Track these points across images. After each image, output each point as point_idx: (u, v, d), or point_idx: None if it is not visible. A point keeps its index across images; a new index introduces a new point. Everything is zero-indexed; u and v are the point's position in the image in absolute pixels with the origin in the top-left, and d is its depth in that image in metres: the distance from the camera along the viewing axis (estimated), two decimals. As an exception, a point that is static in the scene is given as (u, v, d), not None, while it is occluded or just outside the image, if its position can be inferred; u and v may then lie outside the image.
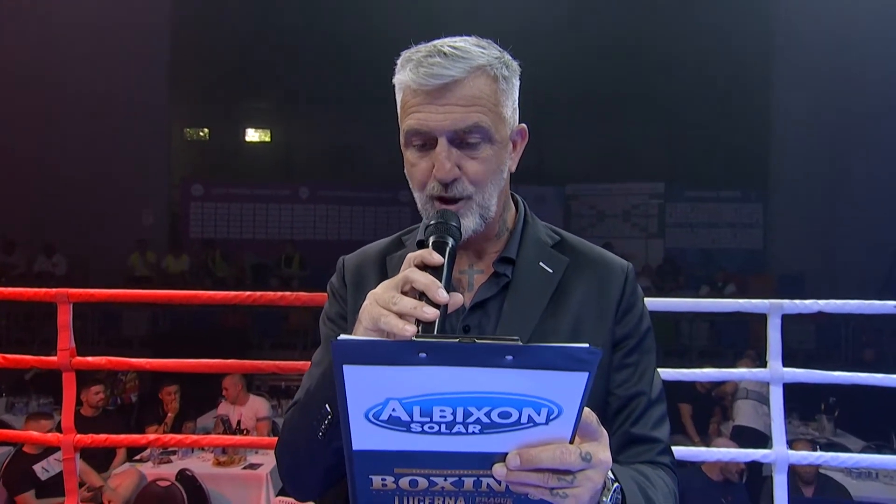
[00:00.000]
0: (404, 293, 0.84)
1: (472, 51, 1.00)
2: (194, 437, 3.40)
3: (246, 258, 13.04)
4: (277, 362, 2.63)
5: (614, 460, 0.80)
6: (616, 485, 0.86)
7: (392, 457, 0.75)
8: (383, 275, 1.12)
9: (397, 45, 1.05)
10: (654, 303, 2.35)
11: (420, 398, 0.70)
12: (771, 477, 2.61)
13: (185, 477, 4.62)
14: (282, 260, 12.74)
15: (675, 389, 5.68)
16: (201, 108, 15.53)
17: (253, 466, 4.89)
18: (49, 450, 4.52)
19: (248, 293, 2.62)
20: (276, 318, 10.69)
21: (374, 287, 0.88)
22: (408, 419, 0.71)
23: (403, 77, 1.02)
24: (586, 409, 0.75)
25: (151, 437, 3.05)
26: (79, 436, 2.63)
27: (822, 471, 4.57)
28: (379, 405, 0.71)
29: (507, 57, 1.05)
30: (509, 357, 0.68)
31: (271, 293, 2.64)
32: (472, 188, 1.01)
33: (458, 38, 1.03)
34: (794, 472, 4.40)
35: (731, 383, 6.55)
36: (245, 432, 5.38)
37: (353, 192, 14.26)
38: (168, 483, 4.51)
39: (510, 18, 10.15)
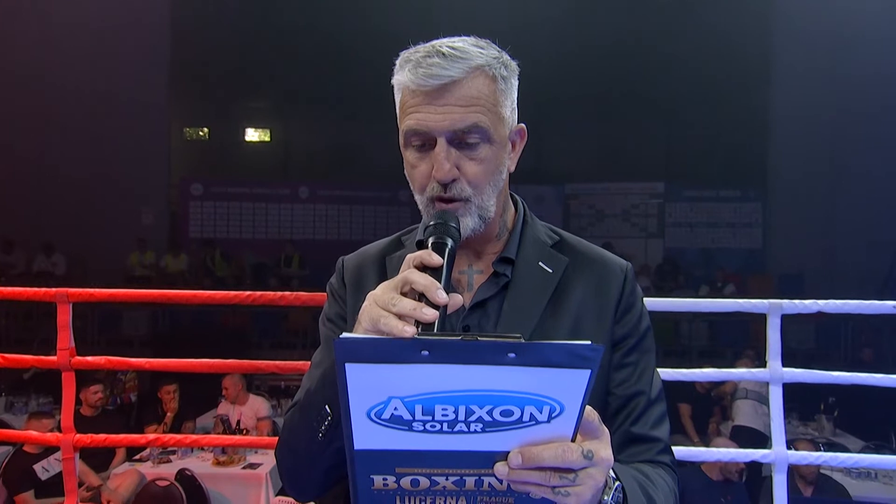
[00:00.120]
0: (404, 294, 0.84)
1: (471, 51, 1.00)
2: (194, 436, 3.40)
3: (245, 258, 13.04)
4: (277, 362, 2.63)
5: (614, 459, 0.80)
6: (617, 483, 0.86)
7: (394, 456, 0.75)
8: (383, 275, 1.12)
9: (397, 45, 1.05)
10: (653, 303, 2.36)
11: (422, 397, 0.70)
12: (770, 477, 2.61)
13: (184, 477, 4.61)
14: (281, 259, 12.74)
15: (675, 389, 5.67)
16: (201, 108, 15.53)
17: (252, 466, 4.89)
18: (49, 449, 4.52)
19: (247, 293, 2.62)
20: (276, 317, 10.68)
21: (374, 288, 0.88)
22: (410, 418, 0.71)
23: (402, 77, 1.02)
24: (588, 408, 0.75)
25: (151, 436, 3.05)
26: (78, 435, 2.63)
27: (821, 470, 4.57)
28: (381, 404, 0.71)
29: (506, 57, 1.05)
30: (512, 354, 0.68)
31: (271, 293, 2.64)
32: (471, 190, 1.02)
33: (456, 39, 1.03)
34: (795, 471, 4.40)
35: (730, 383, 6.55)
36: (245, 432, 5.38)
37: (352, 191, 14.26)
38: (167, 483, 4.51)
39: (509, 18, 10.15)
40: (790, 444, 3.68)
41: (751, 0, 12.64)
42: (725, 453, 2.83)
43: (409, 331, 0.79)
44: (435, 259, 0.89)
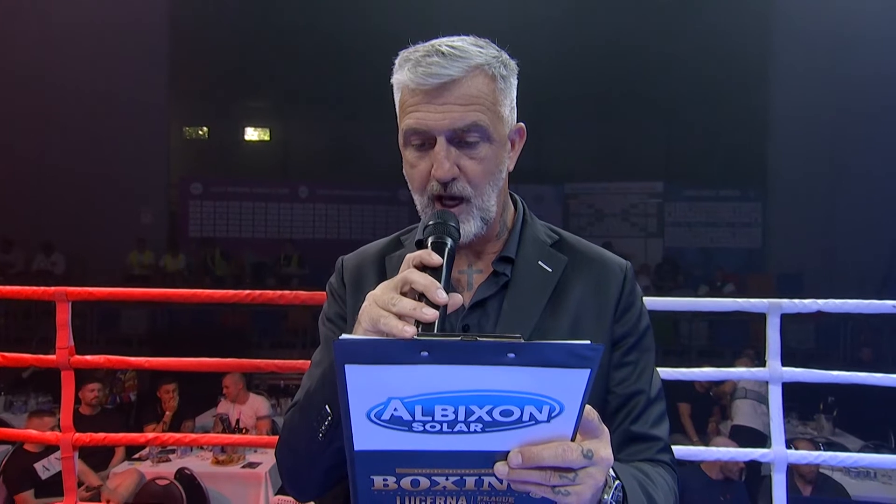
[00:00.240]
0: (403, 294, 0.84)
1: (470, 50, 1.00)
2: (193, 435, 3.40)
3: (245, 257, 13.04)
4: (276, 361, 2.63)
5: (614, 458, 0.81)
6: (617, 482, 0.86)
7: (394, 457, 0.75)
8: (382, 275, 1.12)
9: (397, 45, 1.05)
10: (653, 302, 2.36)
11: (422, 397, 0.70)
12: (769, 476, 2.61)
13: (183, 476, 4.61)
14: (280, 259, 12.74)
15: (674, 389, 5.67)
16: (200, 107, 15.52)
17: (252, 465, 4.89)
18: (50, 448, 4.51)
19: (247, 292, 2.61)
20: (275, 317, 10.68)
21: (373, 287, 0.88)
22: (409, 419, 0.71)
23: (402, 77, 1.02)
24: (588, 407, 0.75)
25: (150, 435, 3.05)
26: (77, 434, 2.62)
27: (820, 470, 4.58)
28: (381, 405, 0.71)
29: (505, 56, 1.05)
30: (511, 354, 0.68)
31: (270, 292, 2.64)
32: (471, 190, 1.02)
33: (455, 38, 1.03)
34: (794, 471, 4.40)
35: (729, 383, 6.56)
36: (244, 431, 5.38)
37: (352, 191, 14.26)
38: (167, 482, 4.51)
39: (509, 18, 10.15)
40: (789, 444, 3.68)
41: (751, 0, 12.64)
42: (725, 452, 2.83)
43: (410, 331, 0.79)
44: (435, 259, 0.89)
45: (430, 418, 0.71)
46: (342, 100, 13.99)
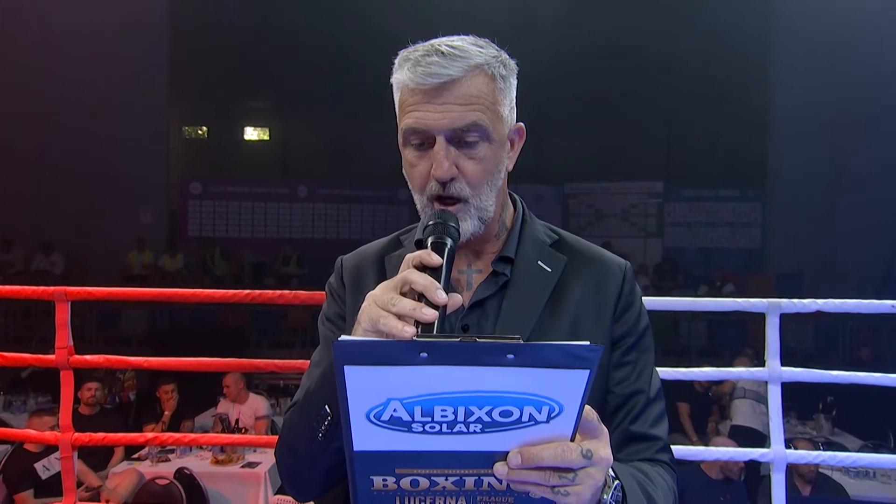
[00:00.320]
0: (403, 294, 0.84)
1: (470, 50, 1.00)
2: (192, 435, 3.40)
3: (245, 257, 13.04)
4: (276, 361, 2.63)
5: (613, 458, 0.81)
6: (617, 482, 0.86)
7: (393, 457, 0.75)
8: (382, 275, 1.12)
9: (397, 45, 1.05)
10: (652, 302, 2.36)
11: (421, 398, 0.70)
12: (769, 476, 2.61)
13: (183, 475, 4.61)
14: (280, 258, 12.74)
15: (673, 388, 5.68)
16: (200, 107, 15.52)
17: (251, 465, 4.88)
18: (50, 447, 4.50)
19: (246, 291, 2.61)
20: (275, 316, 10.69)
21: (373, 287, 0.88)
22: (409, 419, 0.71)
23: (401, 76, 1.02)
24: (587, 407, 0.75)
25: (150, 435, 3.05)
26: (76, 434, 2.62)
27: (820, 470, 4.58)
28: (380, 405, 0.71)
29: (505, 56, 1.05)
30: (511, 355, 0.68)
31: (270, 292, 2.63)
32: (469, 190, 1.02)
33: (455, 38, 1.03)
34: (793, 470, 4.40)
35: (728, 382, 6.56)
36: (244, 431, 5.37)
37: (351, 190, 14.26)
38: (166, 482, 4.51)
39: (509, 18, 10.15)
40: (789, 444, 3.69)
41: (751, 0, 12.64)
42: (724, 452, 2.83)
43: (409, 331, 0.79)
44: (434, 259, 0.89)
45: (429, 419, 0.71)
46: (342, 100, 13.99)
